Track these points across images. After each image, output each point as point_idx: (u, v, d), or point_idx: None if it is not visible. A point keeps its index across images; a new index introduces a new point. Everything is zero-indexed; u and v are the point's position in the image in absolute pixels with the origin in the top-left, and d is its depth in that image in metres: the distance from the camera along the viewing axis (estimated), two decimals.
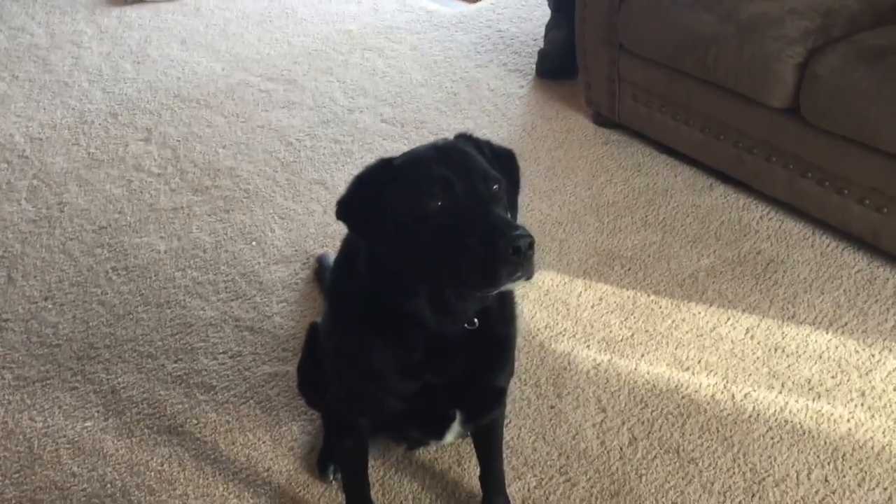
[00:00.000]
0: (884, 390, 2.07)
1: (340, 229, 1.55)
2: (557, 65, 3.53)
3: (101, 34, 4.28)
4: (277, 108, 3.52)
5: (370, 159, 1.46)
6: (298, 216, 2.86)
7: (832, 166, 2.43)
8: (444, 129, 3.25)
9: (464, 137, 1.45)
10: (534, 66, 3.65)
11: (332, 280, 1.60)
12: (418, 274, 1.35)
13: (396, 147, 3.14)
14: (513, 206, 1.45)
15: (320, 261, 2.57)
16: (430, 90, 3.57)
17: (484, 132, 3.19)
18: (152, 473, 2.02)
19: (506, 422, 2.04)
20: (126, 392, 2.24)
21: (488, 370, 1.55)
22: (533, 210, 2.81)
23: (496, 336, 1.53)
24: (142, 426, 2.14)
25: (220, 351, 2.34)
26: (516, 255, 1.22)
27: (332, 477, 1.95)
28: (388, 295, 1.40)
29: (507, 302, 1.54)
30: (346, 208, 1.39)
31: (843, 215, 2.47)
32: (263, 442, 2.08)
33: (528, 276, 1.26)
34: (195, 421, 2.14)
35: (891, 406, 2.03)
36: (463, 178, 1.30)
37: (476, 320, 1.44)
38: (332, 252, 2.25)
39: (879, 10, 2.55)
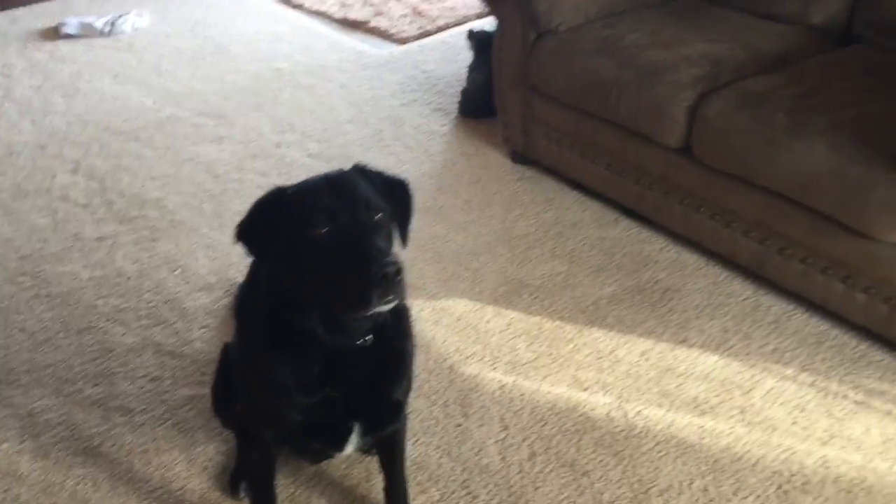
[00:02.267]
0: (762, 407, 2.24)
1: None
2: (478, 104, 3.70)
3: (31, 67, 4.33)
4: (206, 142, 3.61)
5: None
6: (223, 246, 2.95)
7: (721, 201, 2.63)
8: (368, 164, 3.38)
9: (357, 168, 1.58)
10: (456, 106, 3.82)
11: (239, 300, 1.71)
12: (307, 294, 1.46)
13: None
14: (403, 232, 1.57)
15: None
16: (356, 127, 3.71)
17: (406, 167, 3.34)
18: (66, 494, 2.06)
19: (413, 440, 2.16)
20: (43, 415, 2.28)
21: (385, 383, 1.65)
22: (449, 241, 2.94)
23: (393, 351, 1.63)
24: (58, 448, 2.18)
25: (140, 375, 2.40)
26: (385, 281, 1.34)
27: (242, 494, 2.02)
28: (286, 313, 1.50)
29: (402, 318, 1.65)
30: (243, 231, 1.50)
31: (732, 247, 2.67)
32: (178, 462, 2.14)
33: (401, 299, 1.40)
34: (111, 443, 2.20)
35: (767, 421, 2.20)
36: (347, 207, 1.42)
37: (371, 336, 1.55)
38: None
39: (764, 60, 2.78)
